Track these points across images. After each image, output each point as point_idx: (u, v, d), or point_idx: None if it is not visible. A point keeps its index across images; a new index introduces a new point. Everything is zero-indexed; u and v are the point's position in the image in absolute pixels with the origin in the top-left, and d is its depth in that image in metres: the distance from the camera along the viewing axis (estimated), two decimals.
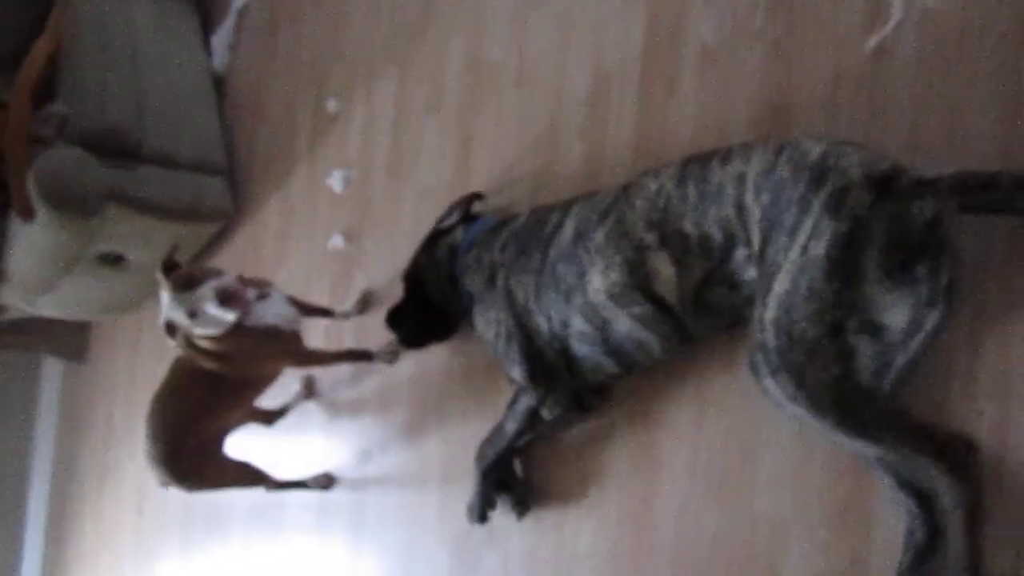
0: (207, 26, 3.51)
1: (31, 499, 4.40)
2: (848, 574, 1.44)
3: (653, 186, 1.59)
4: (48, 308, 3.24)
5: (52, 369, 4.48)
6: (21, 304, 3.17)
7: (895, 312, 1.27)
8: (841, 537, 1.46)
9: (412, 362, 2.40)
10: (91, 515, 4.04)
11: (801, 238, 1.29)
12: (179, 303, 1.88)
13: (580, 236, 1.70)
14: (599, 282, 1.64)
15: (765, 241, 1.38)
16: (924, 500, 1.32)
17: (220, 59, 3.42)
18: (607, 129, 2.01)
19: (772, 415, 1.59)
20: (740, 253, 1.47)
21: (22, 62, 2.76)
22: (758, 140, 1.48)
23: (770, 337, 1.34)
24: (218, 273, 1.97)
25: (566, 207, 1.81)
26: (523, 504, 2.03)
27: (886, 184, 1.26)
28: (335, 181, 2.75)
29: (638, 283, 1.58)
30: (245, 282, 2.03)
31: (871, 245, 1.25)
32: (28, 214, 2.65)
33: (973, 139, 1.41)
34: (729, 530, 1.64)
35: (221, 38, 3.43)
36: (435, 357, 2.33)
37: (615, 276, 1.61)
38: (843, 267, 1.26)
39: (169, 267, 1.94)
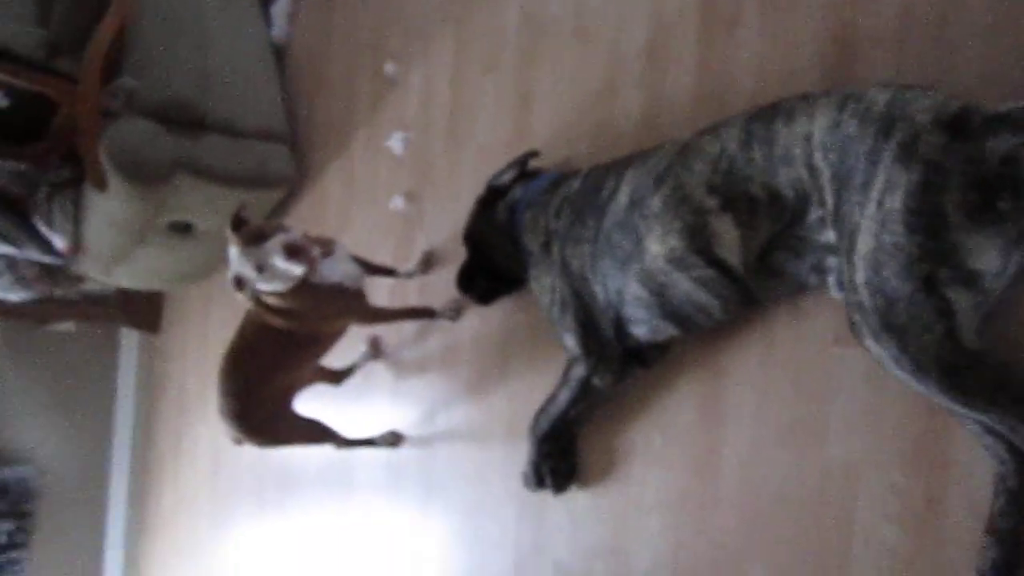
0: None
1: (114, 464, 4.58)
2: (924, 516, 1.41)
3: (713, 148, 1.56)
4: (123, 278, 3.35)
5: (129, 340, 4.64)
6: (98, 274, 3.28)
7: (986, 255, 1.21)
8: (916, 478, 1.43)
9: (475, 319, 2.42)
10: (169, 478, 4.19)
11: (875, 193, 1.25)
12: (248, 257, 1.93)
13: (635, 203, 1.68)
14: (657, 248, 1.62)
15: (839, 200, 1.34)
16: (1017, 448, 1.28)
17: (280, 28, 3.46)
18: (667, 78, 1.98)
19: (840, 359, 1.57)
20: (813, 215, 1.44)
21: (91, 40, 2.83)
22: (821, 93, 1.43)
23: (865, 298, 1.29)
24: (285, 229, 2.01)
25: (620, 171, 1.79)
26: (563, 481, 2.05)
27: (957, 125, 1.21)
28: (395, 143, 2.77)
29: (699, 247, 1.56)
30: (311, 240, 2.07)
31: (948, 188, 1.19)
32: (102, 184, 2.74)
33: None
34: (799, 476, 1.62)
35: (280, 7, 3.47)
36: (497, 313, 2.35)
37: (674, 241, 1.59)
38: (923, 216, 1.21)
39: (238, 223, 1.98)
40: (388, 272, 2.52)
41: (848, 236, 1.31)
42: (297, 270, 1.97)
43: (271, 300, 2.07)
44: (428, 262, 2.58)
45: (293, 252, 1.95)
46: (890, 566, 1.46)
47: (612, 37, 2.12)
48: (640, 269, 1.67)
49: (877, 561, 1.47)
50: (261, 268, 1.93)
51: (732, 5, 1.84)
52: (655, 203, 1.63)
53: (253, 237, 1.94)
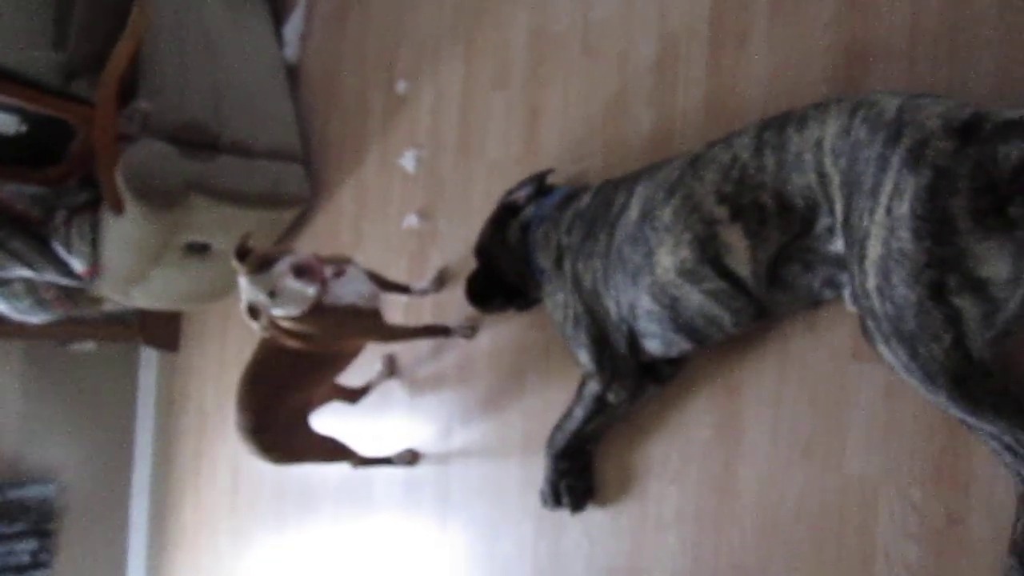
0: (278, 17, 3.58)
1: (135, 482, 4.61)
2: (945, 535, 1.40)
3: (725, 157, 1.55)
4: (141, 299, 3.37)
5: (149, 359, 4.68)
6: (116, 296, 3.30)
7: (995, 263, 1.18)
8: (936, 497, 1.41)
9: (490, 336, 2.42)
10: (190, 496, 4.21)
11: (883, 199, 1.23)
12: (258, 284, 1.93)
13: (646, 215, 1.67)
14: (668, 260, 1.61)
15: (848, 206, 1.33)
16: None
17: (292, 49, 3.48)
18: (677, 93, 1.98)
19: (858, 375, 1.55)
20: (822, 224, 1.43)
21: (106, 64, 2.87)
22: (833, 100, 1.43)
23: (877, 304, 1.28)
24: (291, 251, 2.01)
25: (631, 185, 1.78)
26: (580, 499, 2.04)
27: (968, 131, 1.18)
28: (407, 161, 2.78)
29: (709, 258, 1.55)
30: (321, 260, 2.07)
31: (957, 193, 1.17)
32: (118, 207, 2.76)
33: None
34: (817, 494, 1.60)
35: (292, 28, 3.50)
36: (512, 330, 2.35)
37: (685, 253, 1.58)
38: (931, 222, 1.18)
39: (243, 253, 1.98)
40: (402, 289, 2.52)
41: (859, 243, 1.30)
42: (310, 290, 1.98)
43: (287, 325, 2.08)
44: (442, 279, 2.58)
45: (301, 272, 1.96)
46: None
47: (621, 52, 2.12)
48: (652, 282, 1.66)
49: None
50: (273, 293, 1.94)
51: (740, 21, 1.83)
52: (666, 215, 1.62)
53: (260, 263, 1.95)
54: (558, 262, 1.95)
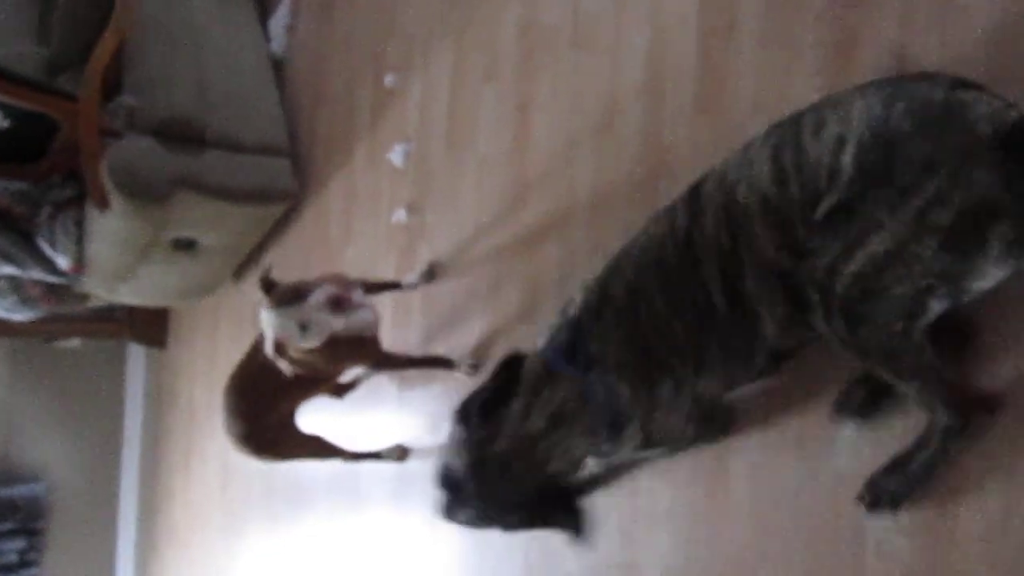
0: (264, 10, 3.56)
1: (124, 480, 4.59)
2: (936, 527, 1.39)
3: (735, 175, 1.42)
4: (128, 295, 3.35)
5: (137, 356, 4.65)
6: (102, 292, 3.29)
7: (987, 280, 1.19)
8: (927, 491, 1.40)
9: (477, 330, 2.40)
10: (179, 493, 4.19)
11: (917, 201, 1.18)
12: (289, 317, 1.88)
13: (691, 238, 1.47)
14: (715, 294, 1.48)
15: (862, 192, 1.25)
16: None
17: (278, 42, 3.46)
18: (667, 85, 1.96)
19: (849, 365, 1.54)
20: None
21: (90, 58, 2.84)
22: (850, 91, 1.34)
23: (840, 286, 1.26)
24: (317, 284, 1.96)
25: (626, 273, 1.55)
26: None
27: (1014, 141, 1.14)
28: (396, 155, 2.77)
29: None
30: (343, 286, 2.03)
31: (1003, 219, 1.14)
32: (104, 204, 2.74)
33: None
34: (810, 487, 1.59)
35: (278, 21, 3.47)
36: (498, 321, 2.33)
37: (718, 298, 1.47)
38: (965, 241, 1.16)
39: (269, 285, 1.93)
40: (393, 287, 2.51)
41: (855, 229, 1.25)
42: (337, 323, 1.94)
43: (296, 354, 2.02)
44: (431, 273, 2.57)
45: (337, 305, 1.93)
46: None
47: (611, 45, 2.10)
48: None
49: (890, 573, 1.45)
50: (304, 326, 1.89)
51: (732, 9, 1.82)
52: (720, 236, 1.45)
53: (291, 297, 1.90)
54: (643, 380, 1.58)
